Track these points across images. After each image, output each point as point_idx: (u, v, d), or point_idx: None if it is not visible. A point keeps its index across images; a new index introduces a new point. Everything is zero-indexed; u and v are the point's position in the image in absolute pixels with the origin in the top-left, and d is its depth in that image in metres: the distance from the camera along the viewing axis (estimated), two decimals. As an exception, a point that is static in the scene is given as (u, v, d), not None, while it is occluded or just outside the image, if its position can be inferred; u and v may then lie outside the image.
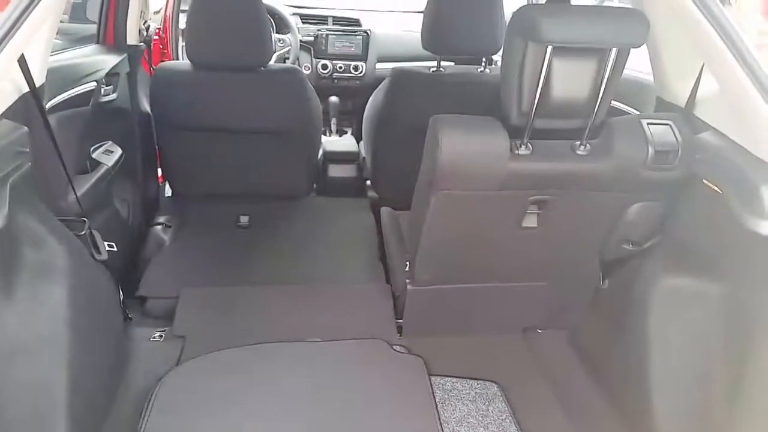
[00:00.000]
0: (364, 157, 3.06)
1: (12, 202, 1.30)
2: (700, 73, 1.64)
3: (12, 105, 1.43)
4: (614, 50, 1.44)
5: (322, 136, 3.17)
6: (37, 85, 1.53)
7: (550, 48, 1.41)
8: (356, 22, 3.79)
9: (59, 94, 1.87)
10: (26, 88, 1.49)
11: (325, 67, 3.59)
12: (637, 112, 2.06)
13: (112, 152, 2.21)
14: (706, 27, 1.45)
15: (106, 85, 2.25)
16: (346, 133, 3.69)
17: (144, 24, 2.67)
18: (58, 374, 1.42)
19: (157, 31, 3.05)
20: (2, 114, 1.37)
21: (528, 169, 1.59)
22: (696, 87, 1.66)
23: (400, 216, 2.36)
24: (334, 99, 3.56)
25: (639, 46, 1.48)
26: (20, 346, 1.38)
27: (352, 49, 3.61)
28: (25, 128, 1.43)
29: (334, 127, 3.63)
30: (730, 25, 1.43)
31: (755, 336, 1.43)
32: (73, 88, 1.98)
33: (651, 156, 1.56)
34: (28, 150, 1.43)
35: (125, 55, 2.46)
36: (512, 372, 1.95)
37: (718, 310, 1.52)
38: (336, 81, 3.64)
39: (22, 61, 1.40)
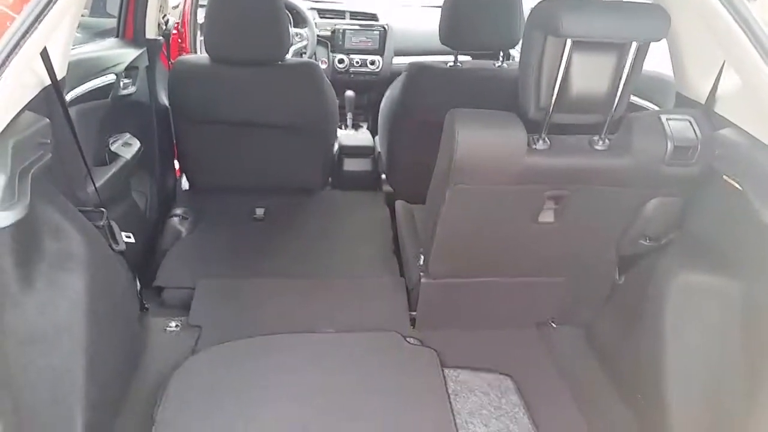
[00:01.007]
0: (379, 151, 3.06)
1: (33, 193, 1.32)
2: (722, 69, 1.61)
3: (34, 97, 1.45)
4: (634, 45, 1.43)
5: (338, 130, 3.18)
6: (59, 77, 1.54)
7: (569, 42, 1.40)
8: (373, 17, 3.79)
9: (79, 87, 1.90)
10: (48, 81, 1.51)
11: (341, 61, 3.59)
12: (656, 108, 2.04)
13: (130, 145, 2.22)
14: (729, 22, 1.43)
15: (126, 79, 2.27)
16: (361, 127, 3.68)
17: (163, 18, 2.68)
18: (75, 362, 1.44)
19: (176, 25, 3.07)
20: (25, 106, 1.38)
21: (545, 164, 1.58)
22: (717, 83, 1.64)
23: (415, 209, 2.36)
24: (350, 93, 3.56)
25: (659, 41, 1.47)
26: (39, 334, 1.40)
27: (369, 43, 3.60)
28: (47, 120, 1.45)
29: (350, 122, 3.63)
30: (754, 20, 1.41)
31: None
32: (93, 81, 2.00)
33: (670, 152, 1.55)
34: (49, 141, 1.45)
35: (144, 48, 2.48)
36: (526, 365, 1.95)
37: (736, 307, 1.51)
38: (352, 75, 3.64)
39: (45, 55, 1.41)
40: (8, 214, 1.22)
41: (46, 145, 1.44)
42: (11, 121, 1.31)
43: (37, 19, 1.20)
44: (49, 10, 1.21)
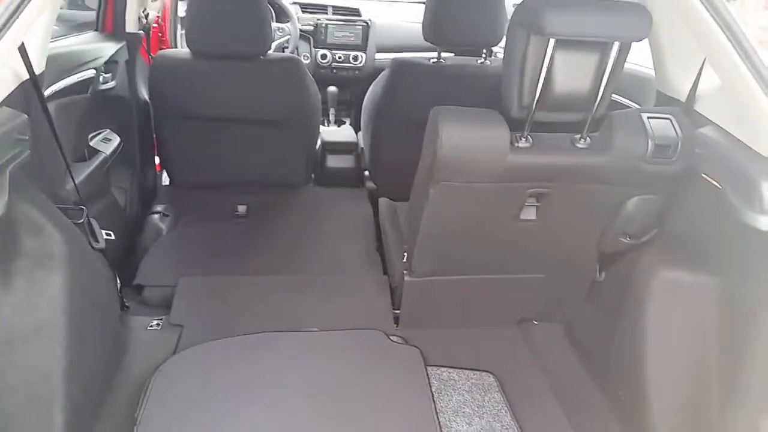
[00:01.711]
0: (362, 148, 3.06)
1: (11, 190, 1.30)
2: (702, 68, 1.63)
3: (12, 92, 1.42)
4: (616, 44, 1.44)
5: (321, 126, 3.17)
6: (37, 72, 1.52)
7: (552, 41, 1.41)
8: (356, 12, 3.78)
9: (58, 82, 1.87)
10: (26, 76, 1.48)
11: (324, 56, 3.58)
12: (637, 106, 2.06)
13: (110, 140, 2.20)
14: (709, 21, 1.45)
15: (105, 73, 2.24)
16: (344, 123, 3.68)
17: (143, 11, 2.65)
18: (55, 362, 1.42)
19: (156, 18, 3.04)
20: (2, 101, 1.36)
21: (528, 161, 1.59)
22: (697, 82, 1.66)
23: (398, 207, 2.36)
24: (332, 89, 3.55)
25: (641, 40, 1.48)
26: (18, 334, 1.38)
27: (352, 39, 3.59)
28: (25, 116, 1.42)
29: (332, 117, 3.61)
30: (733, 20, 1.43)
31: (752, 329, 1.44)
32: (71, 76, 1.98)
33: (651, 150, 1.56)
34: (27, 138, 1.43)
35: (124, 42, 2.45)
36: (508, 363, 1.96)
37: (715, 304, 1.54)
38: (335, 71, 3.62)
39: (22, 49, 1.39)
40: None
41: (24, 141, 1.42)
42: None
43: (15, 12, 1.18)
44: (27, 4, 1.19)
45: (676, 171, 1.60)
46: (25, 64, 1.44)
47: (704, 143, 1.58)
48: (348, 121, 3.75)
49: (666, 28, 1.71)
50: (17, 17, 1.19)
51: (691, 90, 1.68)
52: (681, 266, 1.62)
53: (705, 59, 1.61)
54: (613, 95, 1.75)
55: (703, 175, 1.56)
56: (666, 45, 1.75)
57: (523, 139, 1.57)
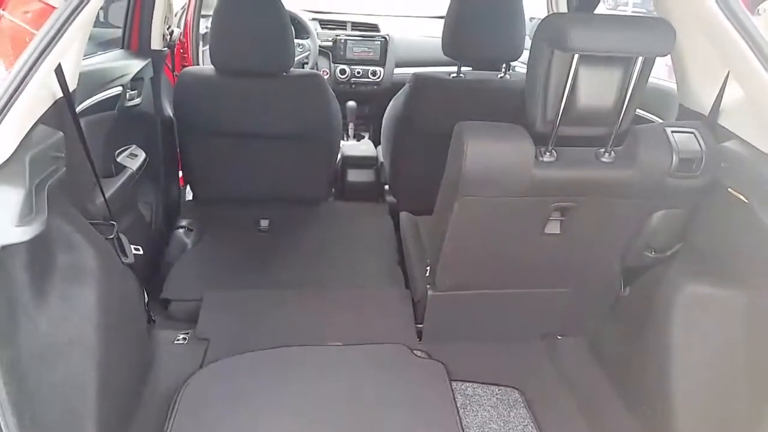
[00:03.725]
0: (382, 162, 3.08)
1: (48, 207, 1.33)
2: (725, 81, 1.63)
3: (47, 110, 1.46)
4: (640, 59, 1.45)
5: (341, 141, 3.20)
6: (71, 90, 1.56)
7: (576, 56, 1.42)
8: (375, 28, 3.82)
9: (88, 99, 1.91)
10: (60, 94, 1.52)
11: (343, 72, 3.61)
12: (659, 119, 2.06)
13: (136, 156, 2.23)
14: (733, 34, 1.45)
15: (131, 90, 2.28)
16: (363, 137, 3.70)
17: (168, 29, 2.70)
18: (87, 375, 1.45)
19: (179, 35, 3.09)
20: (38, 119, 1.39)
21: (552, 175, 1.60)
22: (720, 95, 1.66)
23: (419, 221, 2.37)
24: (351, 104, 3.58)
25: (665, 55, 1.49)
26: (52, 348, 1.40)
27: (371, 54, 3.63)
28: (61, 133, 1.46)
29: (351, 132, 3.65)
30: (758, 32, 1.43)
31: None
32: (100, 93, 2.02)
33: (675, 164, 1.56)
34: (63, 155, 1.46)
35: (149, 59, 2.49)
36: (533, 378, 1.96)
37: (741, 319, 1.53)
38: (354, 86, 3.66)
39: (58, 70, 1.43)
40: (26, 229, 1.22)
41: (60, 158, 1.45)
42: (26, 135, 1.32)
43: (56, 36, 1.22)
44: (67, 28, 1.23)
45: (700, 185, 1.60)
46: (59, 83, 1.48)
47: (729, 157, 1.57)
48: (367, 136, 3.77)
49: (689, 41, 1.71)
50: (57, 41, 1.22)
51: (714, 103, 1.67)
52: (706, 281, 1.62)
53: (728, 72, 1.61)
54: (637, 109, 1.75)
55: (729, 189, 1.55)
56: (689, 59, 1.75)
57: (547, 153, 1.58)
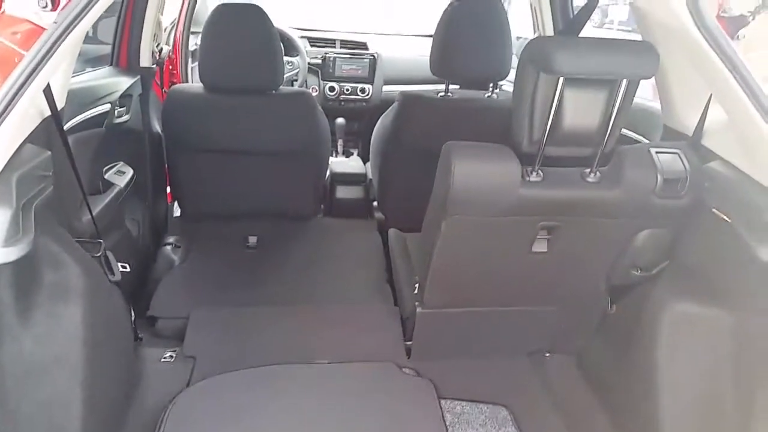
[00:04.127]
0: (370, 179, 3.09)
1: (35, 226, 1.32)
2: (708, 104, 1.67)
3: (35, 129, 1.46)
4: (625, 81, 1.48)
5: (329, 158, 3.21)
6: (59, 108, 1.55)
7: (561, 79, 1.44)
8: (363, 46, 3.85)
9: (76, 116, 1.90)
10: (47, 112, 1.52)
11: (332, 89, 3.64)
12: (643, 139, 2.09)
13: (123, 173, 2.23)
14: (714, 59, 1.48)
15: (120, 107, 2.28)
16: (352, 154, 3.72)
17: (157, 46, 2.71)
18: (73, 393, 1.43)
19: (168, 52, 3.10)
20: (26, 138, 1.39)
21: (539, 195, 1.61)
22: (704, 117, 1.69)
23: (408, 238, 2.38)
24: (340, 120, 3.60)
25: (649, 78, 1.51)
26: (37, 366, 1.39)
27: (359, 71, 3.66)
28: (48, 152, 1.45)
29: (340, 148, 3.66)
30: (738, 57, 1.46)
31: (763, 362, 1.44)
32: (88, 111, 2.01)
33: (660, 184, 1.59)
34: (50, 174, 1.46)
35: (138, 76, 2.50)
36: (521, 396, 1.96)
37: (727, 338, 1.54)
38: (343, 103, 3.69)
39: (47, 89, 1.43)
40: (12, 249, 1.22)
41: (47, 177, 1.45)
42: (13, 154, 1.31)
43: (45, 57, 1.22)
44: (56, 49, 1.23)
45: (685, 205, 1.63)
46: (48, 102, 1.48)
47: (712, 177, 1.60)
48: (356, 152, 3.79)
49: (673, 64, 1.74)
50: (46, 61, 1.23)
51: (698, 125, 1.71)
52: (692, 299, 1.63)
53: (711, 95, 1.64)
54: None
55: (713, 210, 1.58)
56: (672, 80, 1.79)
57: (534, 173, 1.60)
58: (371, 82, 3.68)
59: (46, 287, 1.44)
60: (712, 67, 1.49)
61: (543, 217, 1.67)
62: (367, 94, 3.66)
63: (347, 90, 3.65)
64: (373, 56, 3.67)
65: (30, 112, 1.45)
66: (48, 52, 1.23)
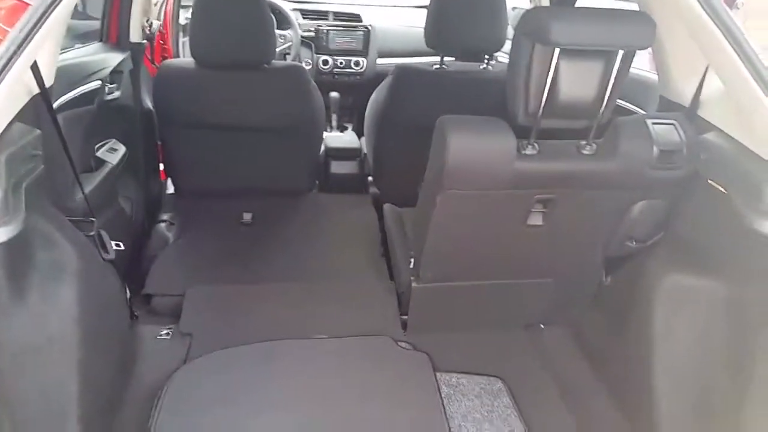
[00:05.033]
0: (365, 153, 3.07)
1: (26, 205, 1.31)
2: (705, 74, 1.65)
3: (23, 108, 1.43)
4: (621, 52, 1.46)
5: (324, 132, 3.18)
6: (47, 86, 1.53)
7: (557, 50, 1.42)
8: (357, 17, 3.79)
9: (66, 94, 1.88)
10: (36, 90, 1.49)
11: (325, 62, 3.60)
12: (640, 110, 2.08)
13: (116, 150, 2.21)
14: (712, 28, 1.46)
15: (110, 84, 2.25)
16: (347, 128, 3.69)
17: (147, 21, 2.66)
18: (68, 374, 1.43)
19: (159, 27, 3.05)
20: (14, 117, 1.37)
21: (534, 168, 1.61)
22: (700, 87, 1.67)
23: (403, 213, 2.38)
24: (334, 94, 3.57)
25: (645, 48, 1.49)
26: (32, 346, 1.39)
27: (353, 44, 3.62)
28: (38, 131, 1.44)
29: (335, 123, 3.63)
30: (736, 27, 1.45)
31: (758, 334, 1.45)
32: (78, 88, 1.99)
33: (656, 155, 1.58)
34: (41, 153, 1.44)
35: (128, 52, 2.46)
36: (517, 368, 1.98)
37: (722, 308, 1.55)
38: (337, 76, 3.65)
39: (34, 66, 1.40)
40: (3, 230, 1.21)
41: (37, 156, 1.43)
42: (1, 134, 1.30)
43: (30, 33, 1.19)
44: (41, 24, 1.20)
45: (681, 176, 1.62)
46: (36, 79, 1.45)
47: (708, 148, 1.59)
48: (350, 127, 3.76)
49: (669, 34, 1.72)
50: (32, 38, 1.20)
51: (694, 95, 1.69)
52: (687, 270, 1.64)
53: (708, 65, 1.62)
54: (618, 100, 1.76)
55: (709, 181, 1.57)
56: (669, 51, 1.77)
57: (529, 146, 1.59)
58: (365, 55, 3.63)
59: (39, 267, 1.43)
60: (710, 37, 1.48)
61: (538, 190, 1.66)
62: (361, 68, 3.63)
63: (341, 63, 3.61)
64: (367, 28, 3.62)
65: (17, 90, 1.43)
66: (33, 27, 1.20)
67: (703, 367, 1.58)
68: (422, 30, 2.46)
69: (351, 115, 3.84)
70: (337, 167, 3.09)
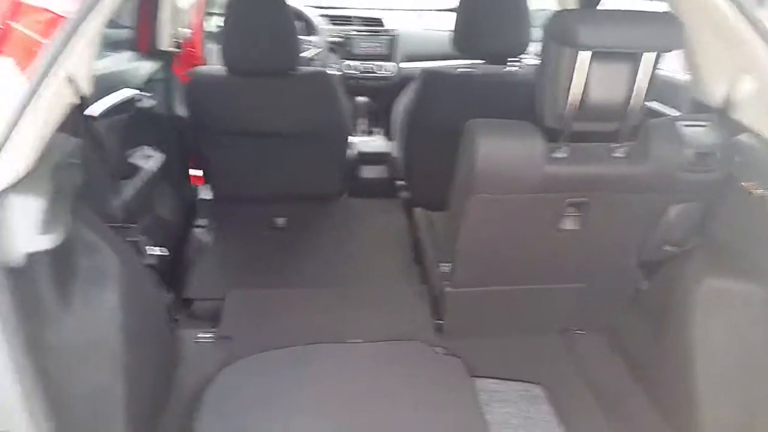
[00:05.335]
0: (394, 157, 3.09)
1: (69, 213, 1.35)
2: (737, 74, 1.63)
3: (63, 118, 1.47)
4: (649, 54, 1.45)
5: (352, 137, 3.20)
6: (84, 96, 1.57)
7: (585, 53, 1.42)
8: (378, 22, 3.81)
9: (101, 103, 1.93)
10: (74, 101, 1.53)
11: (352, 67, 3.62)
12: (672, 112, 2.06)
13: (151, 157, 2.26)
14: (743, 28, 1.45)
15: (143, 92, 2.30)
16: (374, 133, 3.71)
17: (176, 30, 2.71)
18: (114, 378, 1.47)
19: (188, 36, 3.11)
20: (55, 128, 1.41)
21: (565, 172, 1.60)
22: (732, 88, 1.66)
23: (434, 217, 2.38)
24: (360, 99, 3.59)
25: (674, 50, 1.49)
26: (78, 352, 1.42)
27: (379, 49, 3.63)
28: (78, 140, 1.48)
29: (361, 127, 3.66)
30: (766, 26, 1.43)
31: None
32: (113, 97, 2.04)
33: (688, 158, 1.57)
34: (81, 161, 1.48)
35: (160, 61, 2.51)
36: (553, 373, 1.97)
37: (761, 313, 1.53)
38: (363, 81, 3.66)
39: (72, 77, 1.44)
40: (50, 237, 1.24)
41: (78, 164, 1.47)
42: (44, 144, 1.34)
43: (67, 45, 1.23)
44: (78, 36, 1.24)
45: (714, 179, 1.60)
46: (73, 90, 1.49)
47: (742, 150, 1.58)
48: (378, 131, 3.78)
49: (699, 35, 1.70)
50: (69, 50, 1.24)
51: (726, 97, 1.67)
52: (725, 274, 1.62)
53: (740, 66, 1.61)
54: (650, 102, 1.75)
55: (743, 183, 1.56)
56: (700, 52, 1.75)
57: (559, 149, 1.59)
58: (391, 60, 3.65)
59: (83, 273, 1.47)
60: (741, 37, 1.47)
61: (570, 193, 1.66)
62: (387, 72, 3.64)
63: (367, 68, 3.63)
64: (393, 33, 3.64)
65: (57, 101, 1.46)
66: (69, 40, 1.24)
67: (742, 371, 1.56)
68: (446, 33, 2.47)
69: (378, 119, 3.86)
70: (368, 171, 3.12)
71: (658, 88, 1.59)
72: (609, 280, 1.97)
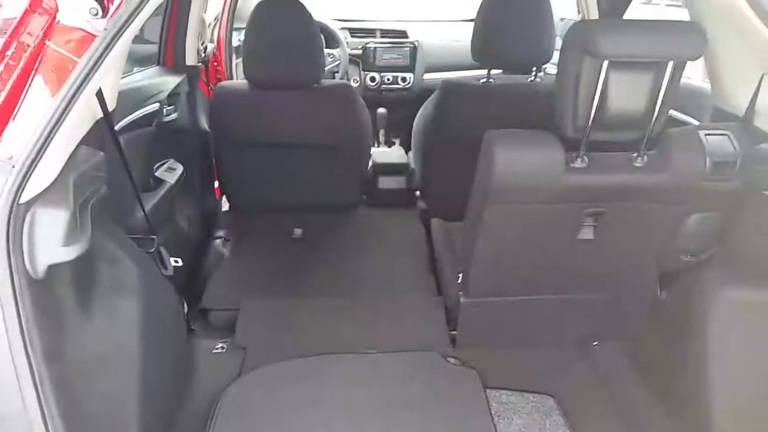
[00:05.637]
0: (413, 168, 3.10)
1: (91, 224, 1.38)
2: (760, 82, 1.61)
3: (88, 132, 1.51)
4: (671, 63, 1.44)
5: (371, 148, 3.22)
6: (110, 110, 1.61)
7: (606, 62, 1.41)
8: (403, 34, 3.84)
9: (126, 117, 1.97)
10: (100, 114, 1.57)
11: (373, 79, 3.65)
12: (693, 121, 2.03)
13: (174, 170, 2.30)
14: (767, 36, 1.43)
15: (168, 106, 2.34)
16: (394, 144, 3.73)
17: (202, 44, 2.77)
18: (132, 387, 1.49)
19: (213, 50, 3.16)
20: (80, 141, 1.45)
21: (584, 182, 1.59)
22: (755, 96, 1.63)
23: (451, 227, 2.38)
24: (382, 110, 3.61)
25: (696, 59, 1.47)
26: (98, 361, 1.45)
27: (400, 60, 3.66)
28: (102, 153, 1.51)
29: (381, 138, 3.68)
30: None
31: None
32: (138, 110, 2.08)
33: (709, 167, 1.54)
34: (104, 174, 1.52)
35: (185, 75, 2.56)
36: (569, 385, 1.95)
37: None
38: (384, 92, 3.69)
39: (99, 92, 1.48)
40: (72, 248, 1.27)
41: (101, 177, 1.51)
42: (69, 157, 1.37)
43: (97, 62, 1.26)
44: (107, 54, 1.27)
45: (735, 188, 1.58)
46: (100, 104, 1.53)
47: (764, 159, 1.55)
48: (398, 142, 3.80)
49: (722, 43, 1.68)
50: (98, 67, 1.27)
51: (749, 105, 1.65)
52: (744, 284, 1.60)
53: (763, 74, 1.59)
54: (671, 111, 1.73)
55: (765, 193, 1.53)
56: (722, 60, 1.73)
57: (578, 159, 1.58)
58: (412, 71, 3.67)
59: (103, 283, 1.50)
60: (764, 44, 1.45)
61: (589, 203, 1.64)
62: (408, 83, 3.66)
63: (388, 80, 3.65)
64: (414, 44, 3.67)
65: (84, 115, 1.50)
66: (99, 57, 1.27)
67: (762, 383, 1.53)
68: (468, 44, 2.47)
69: (399, 131, 3.87)
70: (385, 182, 3.12)
71: (679, 95, 1.57)
72: (628, 290, 1.95)
